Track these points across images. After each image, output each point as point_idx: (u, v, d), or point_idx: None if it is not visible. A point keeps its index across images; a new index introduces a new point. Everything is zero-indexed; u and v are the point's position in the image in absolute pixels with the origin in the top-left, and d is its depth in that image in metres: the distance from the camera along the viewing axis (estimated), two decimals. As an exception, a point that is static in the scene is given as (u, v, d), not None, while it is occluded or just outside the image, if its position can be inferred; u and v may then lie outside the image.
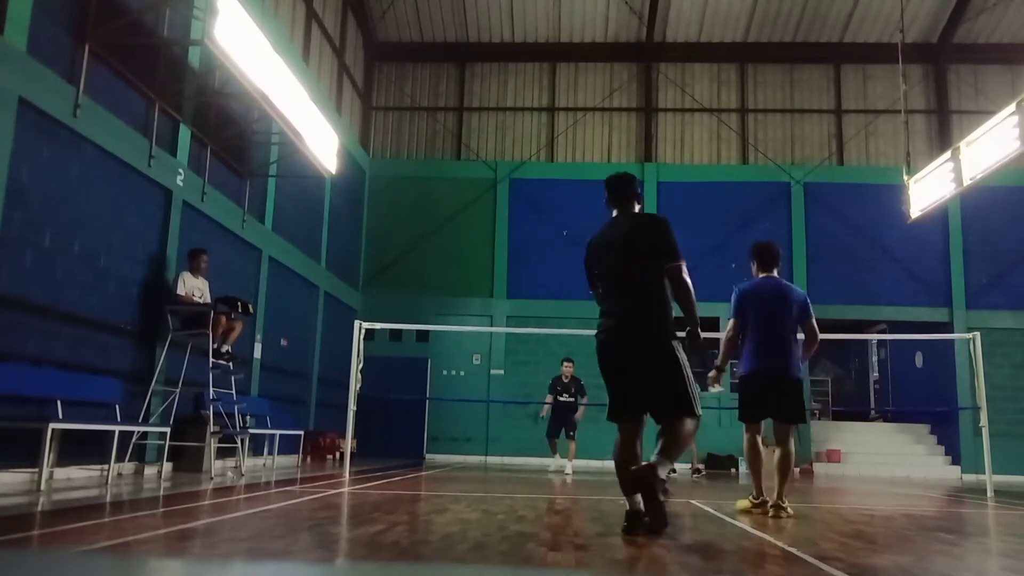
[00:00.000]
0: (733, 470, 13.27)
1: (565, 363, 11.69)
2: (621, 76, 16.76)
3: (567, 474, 10.75)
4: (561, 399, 11.44)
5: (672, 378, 3.89)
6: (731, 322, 5.55)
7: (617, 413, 4.02)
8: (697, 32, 16.53)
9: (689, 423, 3.89)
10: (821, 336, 5.62)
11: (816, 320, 5.52)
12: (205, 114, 9.21)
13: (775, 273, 5.60)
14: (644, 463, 3.80)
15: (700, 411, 3.96)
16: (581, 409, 11.47)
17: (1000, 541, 4.69)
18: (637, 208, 4.31)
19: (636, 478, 3.70)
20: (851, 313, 15.35)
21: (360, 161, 15.79)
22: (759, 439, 5.53)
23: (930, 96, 16.25)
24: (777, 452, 5.37)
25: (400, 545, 3.43)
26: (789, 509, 5.26)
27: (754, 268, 5.71)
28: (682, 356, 3.93)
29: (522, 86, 16.90)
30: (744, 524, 4.80)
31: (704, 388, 6.37)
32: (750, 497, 5.57)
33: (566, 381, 11.51)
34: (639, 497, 3.81)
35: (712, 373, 5.54)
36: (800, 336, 5.56)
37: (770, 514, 5.23)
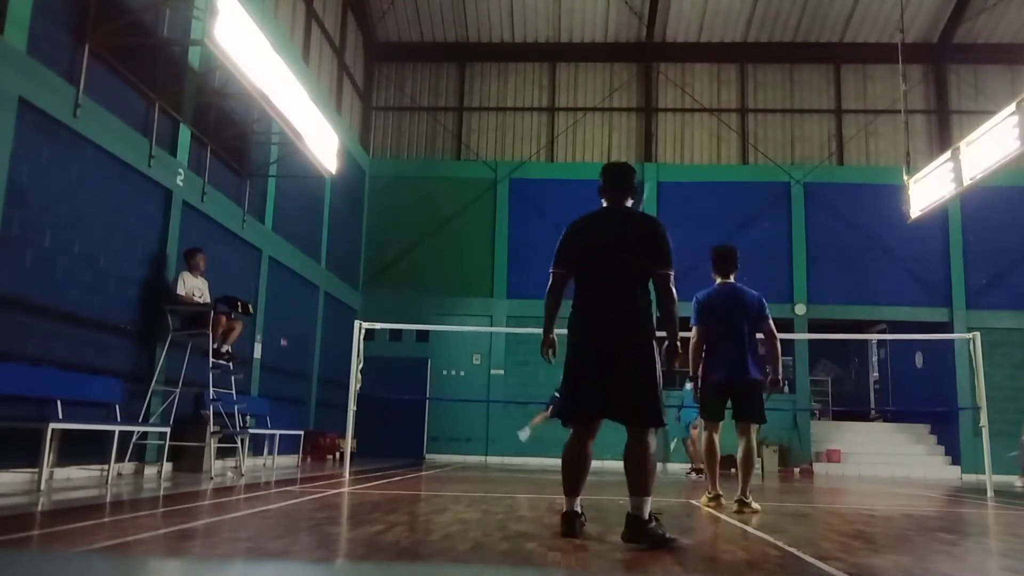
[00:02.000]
0: (733, 470, 13.24)
1: None
2: (621, 76, 16.75)
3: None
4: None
5: (645, 380, 3.68)
6: (695, 331, 5.78)
7: (574, 411, 3.83)
8: (697, 32, 16.53)
9: (652, 441, 3.67)
10: (821, 336, 5.78)
11: (773, 320, 5.80)
12: (205, 114, 9.20)
13: (732, 278, 5.85)
14: (626, 527, 3.58)
15: (666, 420, 3.77)
16: None
17: (1000, 541, 4.69)
18: (630, 203, 4.07)
19: (633, 542, 3.49)
20: (851, 313, 15.35)
21: (360, 161, 15.79)
22: (716, 438, 5.87)
23: (930, 96, 16.24)
24: (740, 448, 5.66)
25: (400, 545, 3.43)
26: (754, 505, 5.52)
27: (713, 273, 5.93)
28: (658, 361, 3.77)
29: (522, 86, 16.90)
30: (744, 524, 4.80)
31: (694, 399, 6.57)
32: (707, 493, 5.92)
33: None
34: (578, 499, 3.83)
35: (689, 385, 5.75)
36: (760, 335, 5.84)
37: (734, 509, 5.47)
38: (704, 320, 5.74)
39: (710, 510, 5.62)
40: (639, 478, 3.60)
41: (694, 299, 5.87)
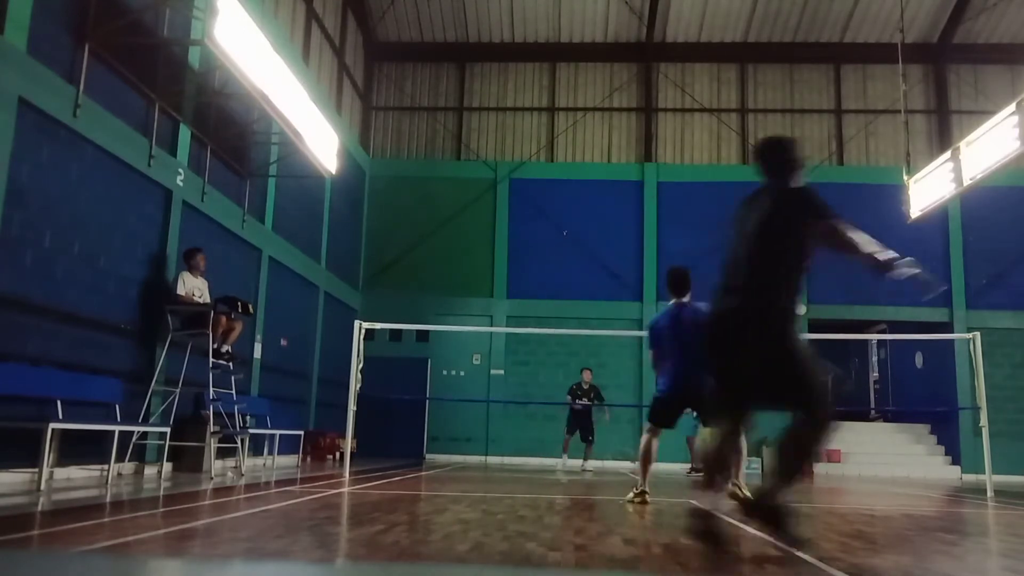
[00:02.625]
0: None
1: (584, 371, 12.17)
2: (621, 76, 16.75)
3: (587, 471, 11.09)
4: (578, 404, 11.95)
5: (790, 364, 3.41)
6: (650, 354, 6.31)
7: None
8: (697, 32, 16.53)
9: (811, 429, 3.39)
10: (821, 336, 5.86)
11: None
12: (205, 114, 9.20)
13: (686, 298, 6.20)
14: (747, 510, 3.48)
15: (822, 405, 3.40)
16: (608, 413, 12.03)
17: (1000, 541, 4.69)
18: (794, 182, 3.77)
19: (749, 516, 3.42)
20: (851, 313, 15.35)
21: (360, 161, 15.79)
22: (654, 443, 6.21)
23: (930, 96, 16.24)
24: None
25: (400, 545, 3.43)
26: (746, 492, 5.64)
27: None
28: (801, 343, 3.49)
29: (522, 86, 16.90)
30: (744, 524, 4.79)
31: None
32: (634, 489, 6.23)
33: (585, 387, 11.98)
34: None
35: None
36: None
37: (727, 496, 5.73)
38: (658, 343, 6.19)
39: (636, 504, 5.91)
40: (783, 460, 3.44)
41: (649, 324, 6.47)
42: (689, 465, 12.08)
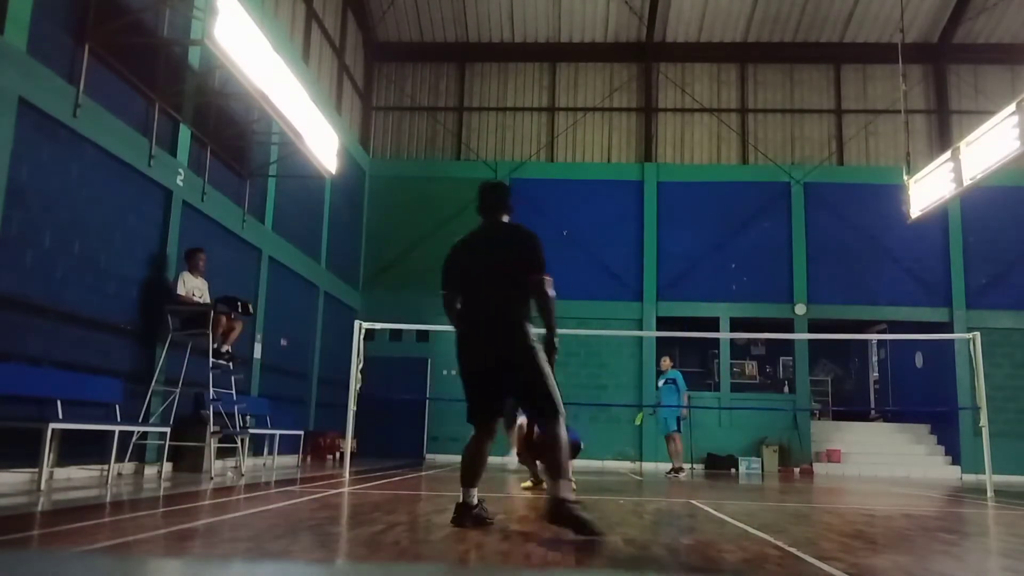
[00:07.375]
0: (733, 470, 13.25)
1: None
2: (621, 76, 16.75)
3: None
4: None
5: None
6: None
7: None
8: (697, 32, 16.53)
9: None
10: (821, 336, 5.88)
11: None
12: (205, 114, 9.20)
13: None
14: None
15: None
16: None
17: (1000, 541, 4.69)
18: (506, 218, 4.53)
19: (553, 523, 3.79)
20: (851, 313, 15.35)
21: (360, 161, 15.79)
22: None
23: (930, 96, 16.24)
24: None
25: (400, 545, 3.43)
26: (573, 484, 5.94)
27: None
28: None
29: (522, 86, 16.90)
30: (744, 524, 4.80)
31: None
32: (530, 479, 7.00)
33: None
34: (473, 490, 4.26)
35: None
36: None
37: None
38: None
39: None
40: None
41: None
42: (670, 465, 12.04)
